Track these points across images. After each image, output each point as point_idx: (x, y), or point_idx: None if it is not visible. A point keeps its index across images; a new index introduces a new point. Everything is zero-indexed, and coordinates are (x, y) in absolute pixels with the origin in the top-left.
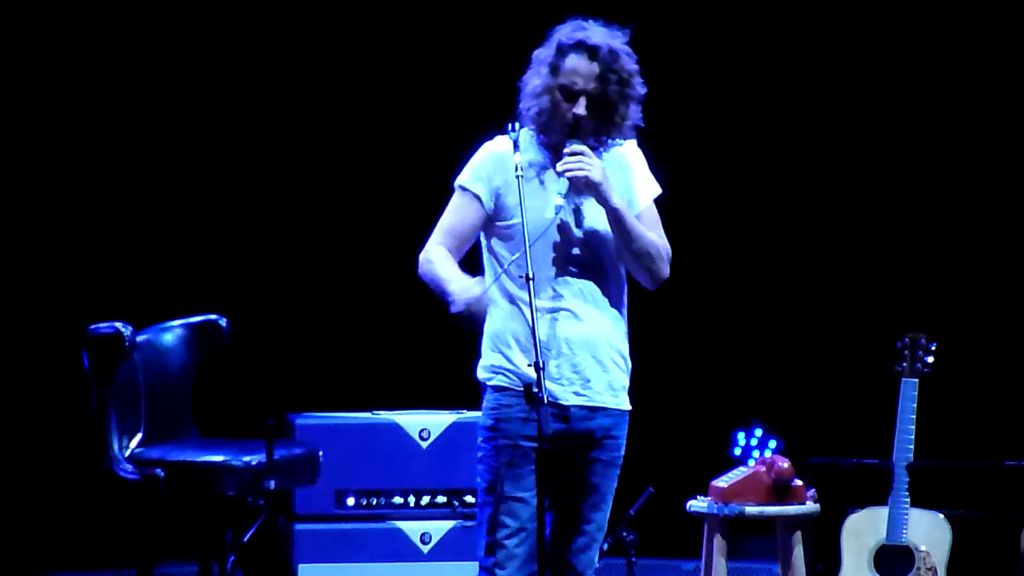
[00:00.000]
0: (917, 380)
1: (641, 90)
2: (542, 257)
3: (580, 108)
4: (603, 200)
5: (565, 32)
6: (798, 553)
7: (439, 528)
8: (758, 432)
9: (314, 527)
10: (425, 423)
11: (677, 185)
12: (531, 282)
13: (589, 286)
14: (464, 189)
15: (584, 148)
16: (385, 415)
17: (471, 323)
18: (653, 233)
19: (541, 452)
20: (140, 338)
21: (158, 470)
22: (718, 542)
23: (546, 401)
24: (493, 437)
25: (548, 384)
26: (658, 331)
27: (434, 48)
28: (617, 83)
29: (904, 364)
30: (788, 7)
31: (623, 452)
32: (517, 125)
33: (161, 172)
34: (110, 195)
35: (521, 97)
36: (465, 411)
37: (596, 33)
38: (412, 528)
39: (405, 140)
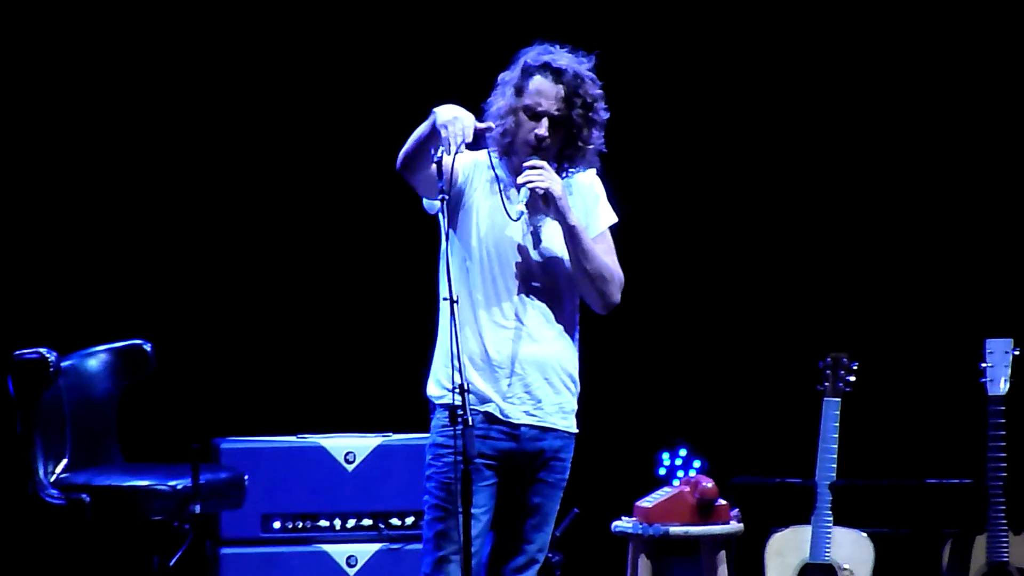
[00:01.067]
0: (839, 399)
1: (604, 115)
2: (501, 275)
3: (543, 129)
4: (561, 215)
5: (532, 55)
6: (722, 572)
7: (365, 551)
8: (683, 452)
9: (240, 551)
10: (350, 446)
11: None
12: (455, 304)
13: (544, 308)
14: (440, 166)
15: (544, 163)
16: (310, 439)
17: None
18: (608, 257)
19: (465, 472)
20: (65, 363)
21: (84, 495)
22: (643, 562)
23: (471, 423)
24: (444, 454)
25: (500, 403)
26: (583, 351)
27: (377, 69)
28: (581, 107)
29: (826, 384)
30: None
31: (568, 475)
32: (441, 149)
33: (82, 196)
34: (31, 220)
35: (485, 118)
36: (391, 433)
37: (562, 57)
38: (338, 551)
39: (333, 162)
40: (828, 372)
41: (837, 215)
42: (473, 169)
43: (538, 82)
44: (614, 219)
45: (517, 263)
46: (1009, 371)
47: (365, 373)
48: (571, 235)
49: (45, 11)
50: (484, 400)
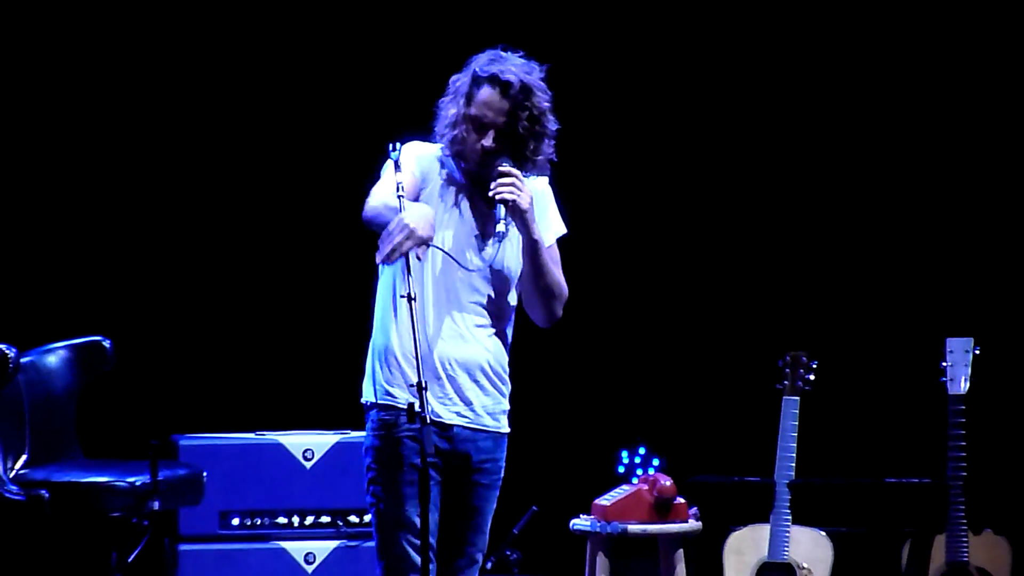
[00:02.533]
0: (798, 398)
1: (553, 126)
2: (443, 276)
3: (488, 140)
4: (526, 228)
5: (482, 62)
6: (680, 571)
7: (323, 548)
8: (641, 450)
9: (198, 547)
10: (309, 443)
11: (563, 201)
12: (412, 302)
13: (481, 311)
14: (397, 163)
15: (517, 172)
16: (269, 435)
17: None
18: (557, 271)
19: (422, 472)
20: (24, 360)
21: (43, 491)
22: (601, 560)
23: (429, 421)
24: (382, 457)
25: (433, 402)
26: (542, 349)
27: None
28: (527, 119)
29: (785, 382)
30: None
31: (502, 474)
32: (398, 144)
33: (41, 193)
34: None
35: (437, 120)
36: (349, 431)
37: (511, 67)
38: (296, 548)
39: (289, 160)
40: (787, 370)
41: (797, 213)
42: (429, 169)
43: (485, 93)
44: (563, 230)
45: (461, 266)
46: (969, 370)
47: (323, 370)
48: (532, 249)
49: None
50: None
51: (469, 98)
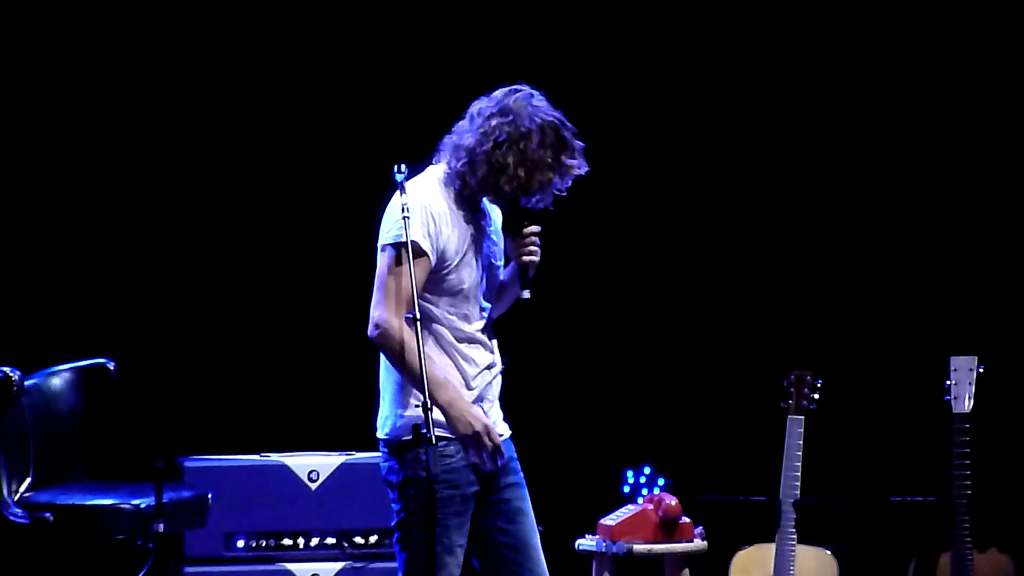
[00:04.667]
0: (803, 417)
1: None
2: (472, 311)
3: (561, 186)
4: (525, 280)
5: (544, 109)
6: None
7: (328, 569)
8: (647, 470)
9: (204, 569)
10: (314, 464)
11: (567, 220)
12: (418, 322)
13: (491, 331)
14: (416, 246)
15: (537, 229)
16: (274, 457)
17: (479, 445)
18: None
19: (429, 492)
20: (28, 382)
21: (47, 514)
22: None
23: (434, 441)
24: (438, 487)
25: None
26: (547, 369)
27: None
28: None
29: (790, 401)
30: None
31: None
32: (404, 167)
33: (45, 216)
34: None
35: (483, 157)
36: (354, 452)
37: (552, 110)
38: (302, 569)
39: (296, 178)
40: (792, 390)
41: (802, 233)
42: (441, 224)
43: (570, 151)
44: None
45: (481, 296)
46: (973, 388)
47: (329, 391)
48: (512, 296)
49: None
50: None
51: (556, 148)
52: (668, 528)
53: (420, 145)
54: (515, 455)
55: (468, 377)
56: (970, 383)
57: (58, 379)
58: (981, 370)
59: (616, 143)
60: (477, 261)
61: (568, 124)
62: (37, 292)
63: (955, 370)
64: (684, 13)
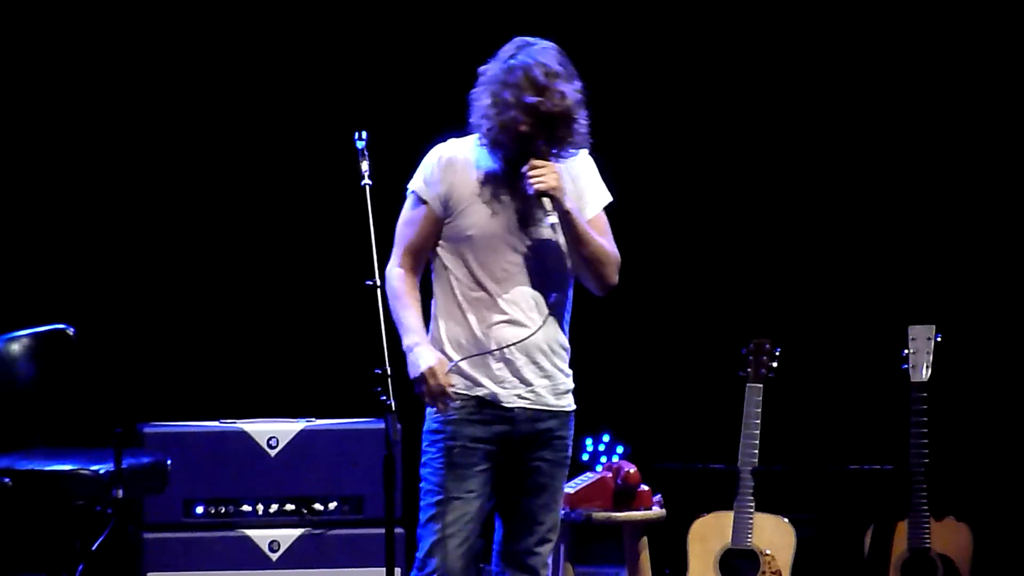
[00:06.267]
0: (761, 385)
1: (583, 107)
2: (492, 262)
3: (524, 126)
4: (557, 204)
5: (509, 51)
6: (645, 558)
7: (288, 536)
8: (606, 438)
9: (163, 535)
10: (273, 431)
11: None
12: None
13: (535, 292)
14: (417, 197)
15: (541, 162)
16: (233, 423)
17: (427, 390)
18: (604, 239)
19: (387, 458)
20: None
21: (6, 479)
22: (565, 548)
23: (393, 408)
24: (438, 439)
25: (493, 387)
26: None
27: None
28: (559, 101)
29: (748, 370)
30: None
31: (571, 452)
32: (365, 133)
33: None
34: None
35: (471, 112)
36: (314, 419)
37: (538, 52)
38: (261, 536)
39: (254, 146)
40: (750, 358)
41: (760, 201)
42: (454, 175)
43: (517, 79)
44: (608, 199)
45: (508, 250)
46: (931, 357)
47: (288, 358)
48: (566, 221)
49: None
50: (476, 384)
51: (503, 85)
52: (627, 496)
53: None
54: (563, 432)
55: (475, 329)
56: (928, 352)
57: (17, 345)
58: (939, 339)
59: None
60: (499, 211)
61: (547, 65)
62: None
63: (913, 339)
64: (672, 10)
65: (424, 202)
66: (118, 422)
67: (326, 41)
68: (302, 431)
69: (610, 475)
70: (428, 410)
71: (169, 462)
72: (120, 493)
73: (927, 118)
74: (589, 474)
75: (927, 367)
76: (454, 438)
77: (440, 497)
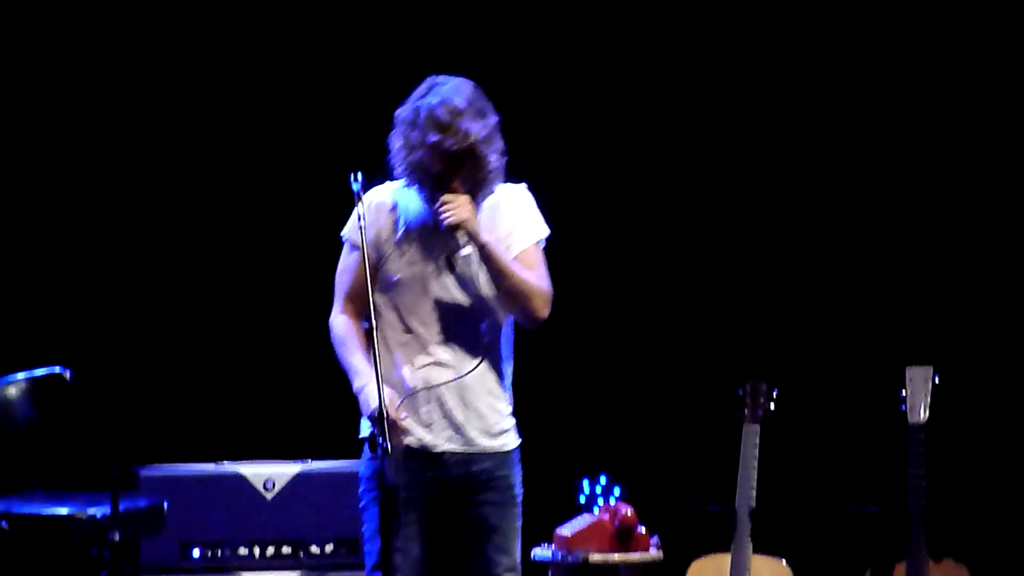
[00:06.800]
0: (759, 426)
1: (497, 140)
2: (418, 305)
3: (437, 165)
4: (471, 237)
5: (420, 91)
6: None
7: None
8: (602, 479)
9: None
10: (270, 473)
11: None
12: (375, 331)
13: (464, 332)
14: (350, 243)
15: (450, 196)
16: (229, 465)
17: (381, 427)
18: (531, 273)
19: (384, 500)
20: None
21: (3, 522)
22: None
23: (390, 450)
24: (372, 487)
25: (420, 431)
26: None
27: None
28: (469, 138)
29: (746, 410)
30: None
31: (519, 490)
32: (360, 175)
33: None
34: None
35: (391, 154)
36: (310, 460)
37: (447, 90)
38: None
39: (254, 187)
40: (747, 399)
41: (755, 240)
42: (378, 219)
43: (427, 119)
44: (543, 233)
45: (435, 291)
46: (929, 399)
47: (284, 400)
48: (483, 254)
49: None
50: (404, 432)
51: (411, 127)
52: (624, 538)
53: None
54: (503, 472)
55: (404, 373)
56: (926, 393)
57: (13, 388)
58: (937, 380)
59: (565, 140)
60: (425, 254)
61: (451, 103)
62: None
63: (911, 380)
64: (672, 11)
65: (357, 248)
66: (114, 464)
67: (319, 83)
68: (299, 473)
69: (607, 517)
70: (363, 455)
71: (166, 504)
72: (117, 536)
73: (927, 157)
74: (586, 516)
75: (925, 408)
76: (384, 486)
77: (379, 545)
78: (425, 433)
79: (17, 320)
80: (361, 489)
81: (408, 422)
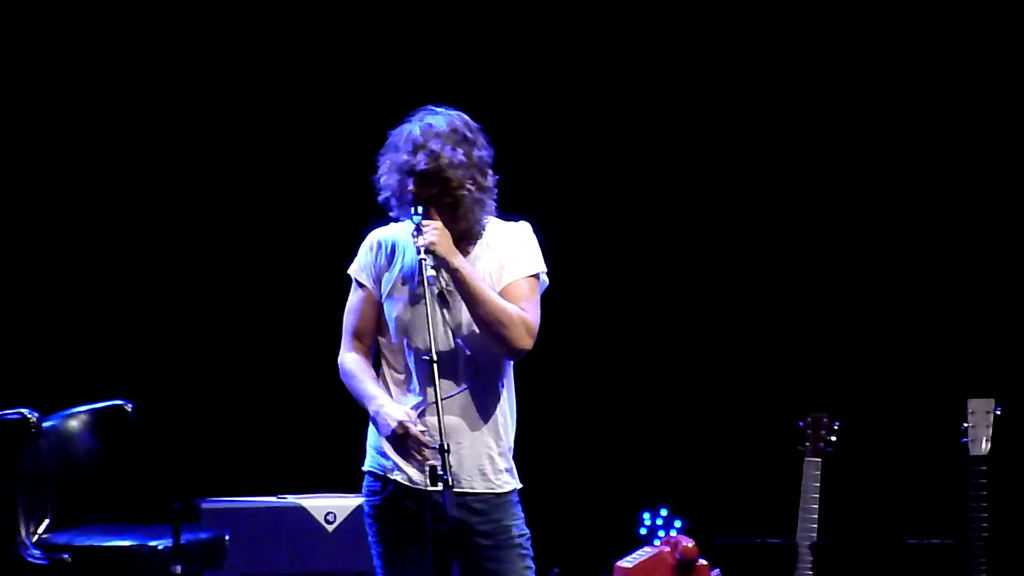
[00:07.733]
0: (820, 459)
1: (480, 165)
2: (409, 342)
3: (412, 185)
4: (443, 262)
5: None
6: None
7: None
8: (663, 512)
9: None
10: (331, 506)
11: (570, 262)
12: (436, 364)
13: (458, 370)
14: (356, 282)
15: (425, 221)
16: (291, 499)
17: (404, 445)
18: (512, 303)
19: (440, 535)
20: (46, 424)
21: (65, 555)
22: None
23: (451, 483)
24: (372, 524)
25: (411, 471)
26: (563, 410)
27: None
28: (446, 162)
29: (807, 443)
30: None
31: (520, 532)
32: (421, 209)
33: (62, 257)
34: (9, 281)
35: (378, 179)
36: None
37: (430, 116)
38: None
39: (303, 221)
40: (808, 432)
41: (820, 275)
42: (382, 262)
43: (403, 141)
44: (535, 268)
45: (434, 329)
46: (991, 431)
47: (345, 433)
48: (455, 279)
49: None
50: (396, 468)
51: (390, 150)
52: (685, 570)
53: None
54: (499, 515)
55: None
56: (987, 425)
57: (76, 420)
58: (999, 412)
59: (632, 176)
60: (422, 292)
61: (431, 126)
62: (55, 334)
63: (972, 412)
64: (678, 11)
65: (362, 286)
66: (176, 497)
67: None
68: (360, 506)
69: (668, 549)
70: (364, 493)
71: (227, 537)
72: (179, 569)
73: (986, 188)
74: (647, 548)
75: (987, 440)
76: (385, 524)
77: None
78: (416, 473)
79: (80, 353)
80: (367, 526)
81: (403, 461)
